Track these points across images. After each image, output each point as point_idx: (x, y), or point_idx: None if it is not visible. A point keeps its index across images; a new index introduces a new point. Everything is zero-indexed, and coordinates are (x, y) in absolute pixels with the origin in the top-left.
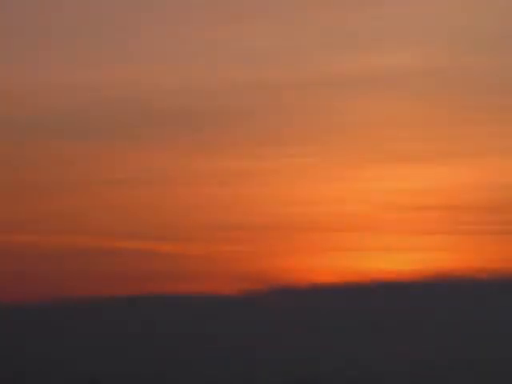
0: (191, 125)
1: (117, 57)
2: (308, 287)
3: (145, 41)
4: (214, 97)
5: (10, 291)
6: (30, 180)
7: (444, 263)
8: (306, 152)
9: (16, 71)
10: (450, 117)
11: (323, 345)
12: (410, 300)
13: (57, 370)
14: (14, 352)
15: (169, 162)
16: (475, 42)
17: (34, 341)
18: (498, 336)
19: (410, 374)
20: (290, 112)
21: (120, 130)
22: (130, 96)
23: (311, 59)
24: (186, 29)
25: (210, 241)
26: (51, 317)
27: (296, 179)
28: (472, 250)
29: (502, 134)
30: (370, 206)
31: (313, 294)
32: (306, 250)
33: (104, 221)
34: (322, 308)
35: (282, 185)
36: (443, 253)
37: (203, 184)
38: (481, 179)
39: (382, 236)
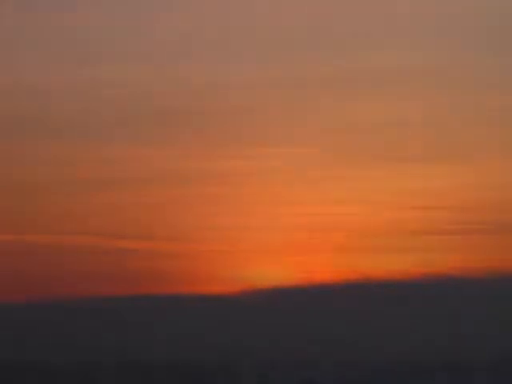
0: (191, 125)
1: (116, 56)
2: (308, 287)
3: (144, 41)
4: (211, 96)
5: (10, 291)
6: (29, 180)
7: (444, 263)
8: (306, 152)
9: (16, 70)
10: (450, 117)
11: (323, 344)
12: (410, 300)
13: (56, 369)
14: (13, 351)
15: (168, 162)
16: (476, 43)
17: (34, 340)
18: (498, 335)
19: (410, 374)
20: (288, 112)
21: (120, 130)
22: (130, 95)
23: (311, 58)
24: (187, 28)
25: (209, 241)
26: (51, 316)
27: (296, 179)
28: (472, 250)
29: (502, 134)
30: (370, 206)
31: (312, 294)
32: (306, 250)
33: (104, 221)
34: (322, 308)
35: (281, 185)
36: (443, 253)
37: (204, 184)
38: (481, 179)
39: (382, 236)
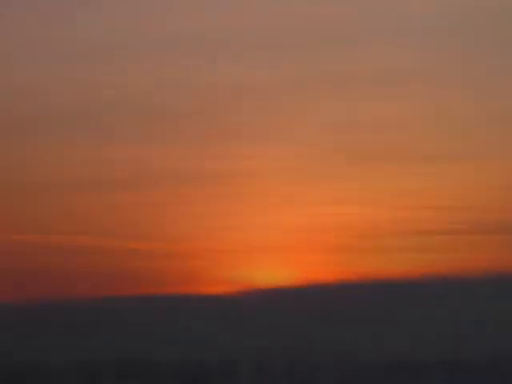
0: (191, 125)
1: (116, 56)
2: (307, 287)
3: (144, 41)
4: (211, 96)
5: (10, 291)
6: (29, 180)
7: (444, 263)
8: (306, 152)
9: (16, 70)
10: (450, 117)
11: (323, 344)
12: (410, 300)
13: (56, 369)
14: (14, 351)
15: (168, 162)
16: (477, 43)
17: (34, 340)
18: (498, 335)
19: (410, 374)
20: (288, 112)
21: (120, 130)
22: (130, 95)
23: (311, 58)
24: (187, 29)
25: (209, 241)
26: (51, 316)
27: (296, 179)
28: (472, 250)
29: (503, 134)
30: (370, 206)
31: (312, 294)
32: (306, 250)
33: (104, 221)
34: (322, 308)
35: (281, 185)
36: (443, 253)
37: (204, 184)
38: (482, 179)
39: (382, 236)
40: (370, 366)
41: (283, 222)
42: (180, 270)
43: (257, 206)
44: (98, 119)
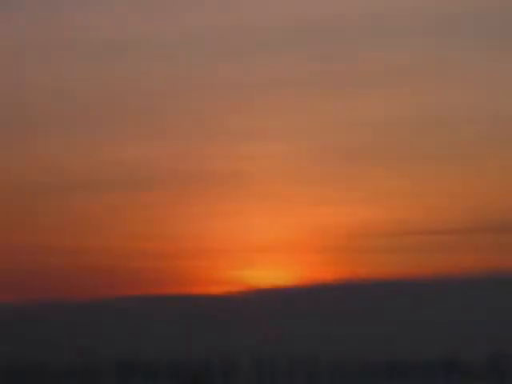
0: (191, 125)
1: (116, 57)
2: (308, 287)
3: (143, 41)
4: (211, 96)
5: (10, 291)
6: (29, 180)
7: (444, 263)
8: (305, 152)
9: (16, 70)
10: (449, 117)
11: (323, 344)
12: (410, 299)
13: (56, 369)
14: (14, 351)
15: (168, 162)
16: (475, 43)
17: (34, 340)
18: (497, 335)
19: (410, 374)
20: (288, 111)
21: (120, 130)
22: (130, 96)
23: (310, 58)
24: (186, 29)
25: (208, 241)
26: (51, 316)
27: (294, 179)
28: (472, 250)
29: (503, 134)
30: (369, 206)
31: (313, 294)
32: (305, 250)
33: (104, 221)
34: (322, 308)
35: (281, 185)
36: (443, 253)
37: (204, 184)
38: (481, 179)
39: (382, 236)
40: (370, 365)
41: (283, 222)
42: (180, 270)
43: (256, 206)
44: (98, 119)
